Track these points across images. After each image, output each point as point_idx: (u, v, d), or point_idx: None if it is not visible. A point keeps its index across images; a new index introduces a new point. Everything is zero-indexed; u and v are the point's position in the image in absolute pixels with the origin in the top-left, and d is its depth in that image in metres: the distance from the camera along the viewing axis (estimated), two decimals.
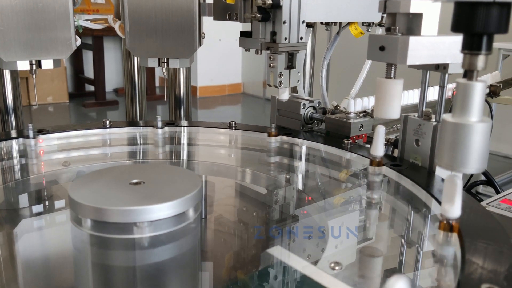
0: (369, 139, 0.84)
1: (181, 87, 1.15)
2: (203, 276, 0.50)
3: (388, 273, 0.48)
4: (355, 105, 0.84)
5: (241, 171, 0.83)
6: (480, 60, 0.36)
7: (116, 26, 0.91)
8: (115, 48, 4.70)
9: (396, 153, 0.72)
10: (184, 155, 0.88)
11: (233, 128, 0.91)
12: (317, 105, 0.91)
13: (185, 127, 0.94)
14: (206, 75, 4.78)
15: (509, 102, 1.51)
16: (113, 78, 4.71)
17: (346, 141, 0.77)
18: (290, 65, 0.79)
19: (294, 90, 1.01)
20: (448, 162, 0.39)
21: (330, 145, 0.80)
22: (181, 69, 1.16)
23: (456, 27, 0.37)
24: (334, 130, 0.84)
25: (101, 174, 0.61)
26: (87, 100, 4.17)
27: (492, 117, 1.05)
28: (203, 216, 0.63)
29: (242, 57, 5.00)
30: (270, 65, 0.78)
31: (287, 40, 0.77)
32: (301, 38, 0.79)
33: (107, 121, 0.90)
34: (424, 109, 0.67)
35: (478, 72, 0.37)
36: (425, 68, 0.65)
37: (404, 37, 0.53)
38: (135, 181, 0.57)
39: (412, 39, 0.53)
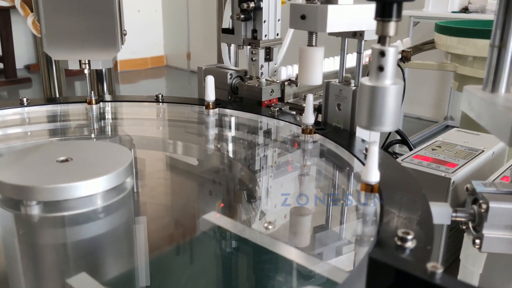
0: (295, 106, 0.87)
1: None
2: (139, 248, 0.51)
3: (317, 228, 0.52)
4: (280, 73, 0.87)
5: (172, 143, 0.83)
6: (392, 27, 0.39)
7: (29, 20, 0.86)
8: (23, 22, 4.35)
9: (320, 118, 0.76)
10: (111, 131, 0.86)
11: (161, 101, 0.90)
12: (244, 74, 0.92)
13: (109, 102, 0.91)
14: (127, 48, 4.59)
15: (420, 66, 1.62)
16: (23, 54, 4.39)
17: (273, 109, 0.79)
18: (268, 58, 0.91)
19: (220, 60, 1.01)
20: (366, 122, 0.42)
21: (258, 113, 0.82)
22: None
23: None
24: (248, 96, 0.87)
25: (26, 152, 0.58)
26: None
27: (404, 81, 1.13)
28: (135, 190, 0.63)
29: (164, 28, 4.86)
30: (252, 59, 0.91)
31: (267, 37, 0.89)
32: (278, 34, 0.91)
33: (24, 99, 0.86)
34: (344, 75, 0.70)
35: (390, 38, 0.40)
36: (343, 35, 0.68)
37: (323, 5, 0.56)
38: (62, 158, 0.56)
39: (331, 7, 0.56)
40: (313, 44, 0.61)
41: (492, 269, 0.57)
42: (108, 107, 0.91)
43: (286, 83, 0.87)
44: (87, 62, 0.82)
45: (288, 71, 0.89)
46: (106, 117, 0.89)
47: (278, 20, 0.90)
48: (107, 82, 1.12)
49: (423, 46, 1.50)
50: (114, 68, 1.13)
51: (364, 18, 0.60)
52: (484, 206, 0.43)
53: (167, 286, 0.44)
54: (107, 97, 0.95)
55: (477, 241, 0.44)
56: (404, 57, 0.99)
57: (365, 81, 0.42)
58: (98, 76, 1.10)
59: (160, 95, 0.90)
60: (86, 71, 0.83)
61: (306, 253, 0.45)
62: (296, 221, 0.54)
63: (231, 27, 0.92)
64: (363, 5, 0.59)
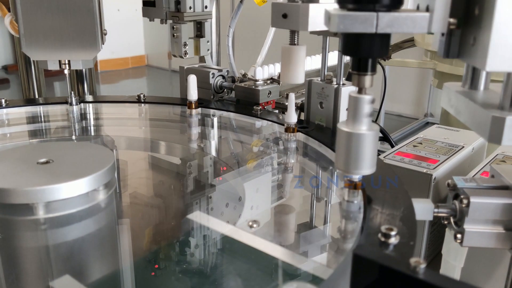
0: (277, 105, 0.88)
1: None
2: (123, 250, 0.50)
3: (301, 226, 0.52)
4: (263, 72, 0.87)
5: (155, 143, 0.82)
6: (367, 80, 0.40)
7: (7, 20, 0.84)
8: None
9: (302, 116, 0.76)
10: (93, 131, 0.85)
11: (142, 101, 0.89)
12: (226, 74, 0.92)
13: (91, 103, 0.90)
14: (107, 48, 4.54)
15: (400, 64, 1.63)
16: (0, 54, 4.31)
17: (256, 108, 0.79)
18: (199, 34, 0.80)
19: (202, 60, 1.01)
20: (344, 166, 0.43)
21: (241, 113, 0.82)
22: None
23: (345, 52, 0.40)
24: (244, 98, 0.86)
25: (6, 154, 0.57)
26: None
27: (385, 79, 1.14)
28: (118, 191, 0.63)
29: (144, 27, 4.82)
30: (173, 35, 0.79)
31: (192, 9, 0.77)
32: (206, 7, 0.80)
33: (3, 100, 0.84)
34: (326, 73, 0.71)
35: (366, 89, 0.41)
36: (324, 34, 0.68)
37: (304, 4, 0.56)
38: (43, 160, 0.55)
39: (312, 6, 0.56)
40: (295, 42, 0.61)
41: (474, 263, 0.58)
42: (89, 108, 0.90)
43: (268, 81, 0.87)
44: (67, 62, 0.80)
45: (270, 70, 0.89)
46: (88, 117, 0.88)
47: None
48: (88, 82, 1.11)
49: (403, 44, 1.52)
50: (94, 68, 1.12)
51: None
52: (465, 201, 0.43)
53: (152, 287, 0.44)
54: (88, 97, 0.93)
55: (459, 235, 0.45)
56: None
57: (342, 126, 0.42)
58: (78, 76, 1.08)
59: (142, 95, 0.89)
60: (66, 71, 0.81)
61: (291, 251, 0.45)
62: (280, 219, 0.54)
63: None
64: None
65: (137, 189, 0.66)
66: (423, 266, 0.32)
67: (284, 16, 0.58)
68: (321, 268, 0.41)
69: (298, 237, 0.50)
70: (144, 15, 0.82)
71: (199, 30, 0.81)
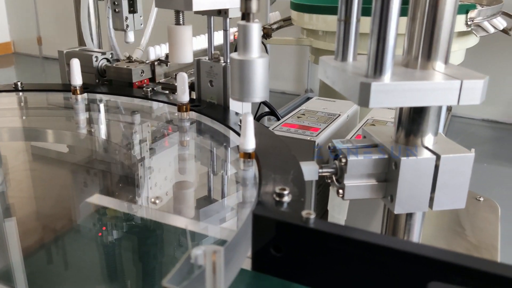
0: (167, 86, 0.88)
1: None
2: (14, 244, 0.48)
3: (204, 197, 0.55)
4: (149, 53, 0.87)
5: (40, 132, 0.78)
6: (254, 3, 0.43)
7: None
8: None
9: (193, 95, 0.78)
10: None
11: (20, 89, 0.84)
12: (110, 56, 0.90)
13: None
14: None
15: (279, 42, 1.72)
16: None
17: (146, 90, 0.79)
18: (132, 9, 0.84)
19: (82, 43, 0.97)
20: (238, 94, 0.46)
21: (129, 95, 0.81)
22: None
23: None
24: (117, 78, 0.85)
25: None
26: None
27: None
28: (3, 185, 0.59)
29: (8, 11, 4.37)
30: (115, 10, 0.83)
31: None
32: None
33: None
34: (213, 52, 0.73)
35: (254, 15, 0.44)
36: (209, 14, 0.70)
37: None
38: None
39: None
40: (181, 22, 0.62)
41: (355, 215, 0.66)
42: None
43: (156, 63, 0.87)
44: None
45: (157, 51, 0.89)
46: None
47: None
48: None
49: (282, 22, 1.60)
50: None
51: None
52: (343, 160, 0.49)
53: (56, 274, 0.43)
54: None
55: (340, 191, 0.51)
56: (266, 34, 1.05)
57: (234, 56, 0.45)
58: None
59: (19, 83, 0.84)
60: None
61: (196, 220, 0.48)
62: (182, 193, 0.56)
63: None
64: None
65: (25, 182, 0.63)
66: (313, 216, 0.37)
67: None
68: (225, 231, 0.45)
69: (202, 206, 0.52)
70: None
71: (132, 6, 0.84)
